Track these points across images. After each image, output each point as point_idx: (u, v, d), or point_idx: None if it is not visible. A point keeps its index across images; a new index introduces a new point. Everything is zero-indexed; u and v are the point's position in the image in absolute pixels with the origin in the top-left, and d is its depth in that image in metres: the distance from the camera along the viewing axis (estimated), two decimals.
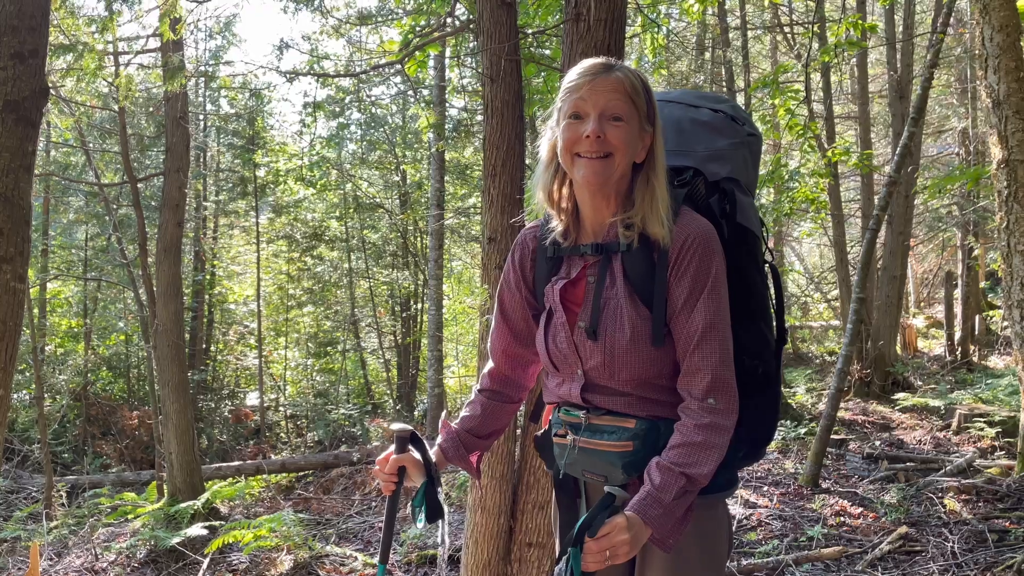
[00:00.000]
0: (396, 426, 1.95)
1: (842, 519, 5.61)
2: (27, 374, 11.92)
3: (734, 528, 5.52)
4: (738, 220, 1.78)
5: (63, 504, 8.58)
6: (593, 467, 1.78)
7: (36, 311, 12.63)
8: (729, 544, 1.89)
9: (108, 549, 6.68)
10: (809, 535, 5.29)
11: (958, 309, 12.77)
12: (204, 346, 15.24)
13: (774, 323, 1.88)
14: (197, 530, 6.54)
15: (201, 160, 15.52)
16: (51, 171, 12.76)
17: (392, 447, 1.93)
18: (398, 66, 11.99)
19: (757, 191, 2.12)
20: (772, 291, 1.89)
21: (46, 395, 11.28)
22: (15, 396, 11.86)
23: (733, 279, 1.74)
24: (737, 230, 1.78)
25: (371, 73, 11.63)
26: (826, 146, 9.03)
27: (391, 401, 15.10)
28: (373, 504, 8.11)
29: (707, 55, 12.82)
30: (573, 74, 1.72)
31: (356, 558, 5.98)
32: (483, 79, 3.52)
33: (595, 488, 1.83)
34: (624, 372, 1.71)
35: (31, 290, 11.68)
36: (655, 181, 1.69)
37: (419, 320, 15.68)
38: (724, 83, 11.11)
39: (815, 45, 8.65)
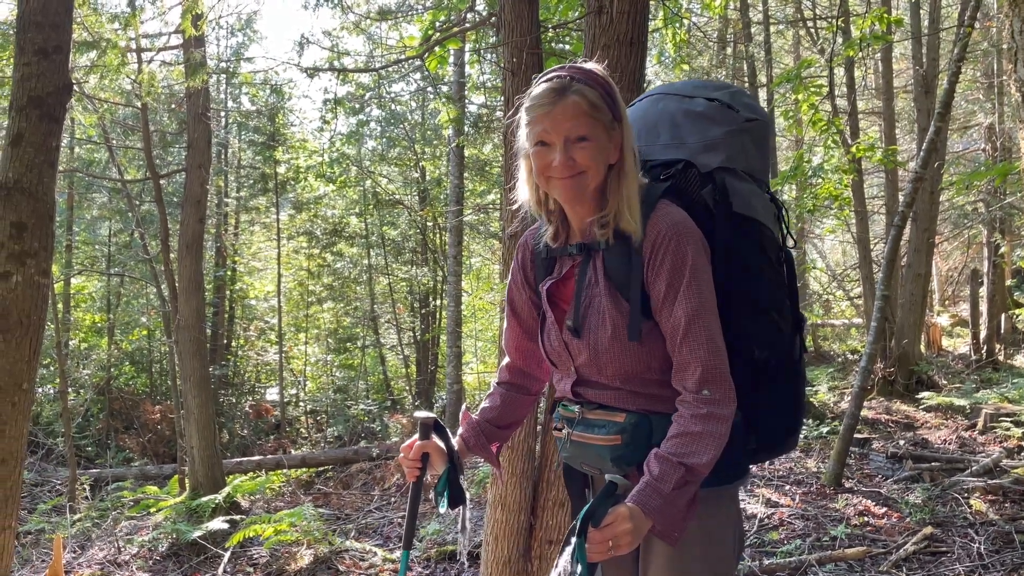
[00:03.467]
0: (420, 414, 1.99)
1: (866, 519, 5.54)
2: (51, 368, 12.06)
3: (755, 527, 5.47)
4: (735, 209, 1.75)
5: (86, 497, 8.67)
6: (587, 460, 1.83)
7: (60, 306, 12.79)
8: (738, 539, 1.85)
9: (130, 542, 6.73)
10: (832, 535, 5.23)
11: (983, 307, 12.58)
12: (225, 341, 15.35)
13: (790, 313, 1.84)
14: (218, 524, 6.58)
15: (223, 157, 15.63)
16: (75, 167, 12.90)
17: (416, 435, 1.98)
18: (418, 62, 12.00)
19: (779, 186, 2.07)
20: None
21: (70, 389, 11.40)
22: (40, 390, 12.01)
23: (736, 269, 1.74)
24: (735, 220, 1.75)
25: (391, 68, 11.64)
26: (850, 142, 8.92)
27: (410, 397, 15.14)
28: (392, 500, 8.13)
29: (728, 50, 12.71)
30: (531, 100, 1.72)
31: (375, 553, 5.99)
32: (503, 73, 3.50)
33: (601, 480, 1.84)
34: (610, 368, 1.74)
35: (55, 285, 11.82)
36: (624, 178, 1.70)
37: (438, 316, 15.70)
38: (746, 78, 11.01)
39: (839, 40, 8.54)
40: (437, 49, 5.74)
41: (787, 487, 6.41)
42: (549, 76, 1.73)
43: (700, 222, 1.72)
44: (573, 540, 1.55)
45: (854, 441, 7.01)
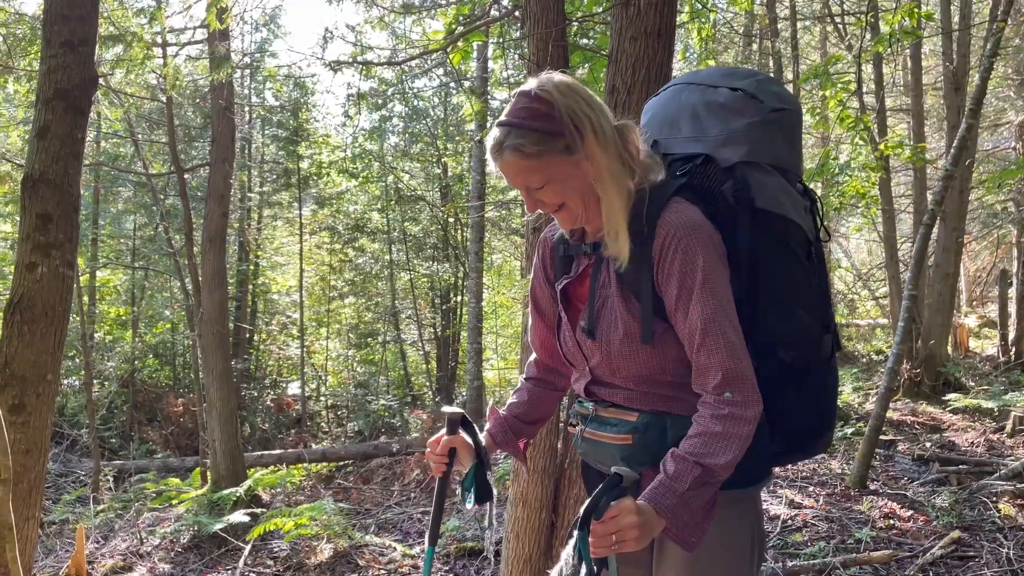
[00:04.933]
0: (448, 409, 1.97)
1: (891, 522, 5.45)
2: (76, 360, 12.20)
3: (778, 528, 5.40)
4: (759, 205, 1.68)
5: (110, 488, 8.75)
6: (599, 458, 1.80)
7: (86, 299, 12.91)
8: (758, 545, 1.80)
9: (153, 533, 6.78)
10: (857, 537, 5.14)
11: (1012, 308, 12.35)
12: (248, 335, 15.44)
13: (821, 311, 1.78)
14: (239, 517, 6.61)
15: (246, 152, 15.71)
16: (101, 161, 13.02)
17: (444, 429, 1.96)
18: (440, 57, 11.99)
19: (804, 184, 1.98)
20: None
21: (94, 381, 11.52)
22: (65, 382, 12.15)
23: (759, 267, 1.68)
24: (758, 216, 1.68)
25: (414, 63, 11.63)
26: (877, 139, 8.79)
27: (430, 393, 15.15)
28: (412, 495, 8.13)
29: (754, 46, 12.57)
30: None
31: (395, 548, 5.99)
32: (528, 66, 3.46)
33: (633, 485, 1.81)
34: (623, 370, 1.71)
35: (81, 278, 11.95)
36: (601, 193, 1.65)
37: (459, 312, 15.70)
38: (772, 75, 10.88)
39: (867, 35, 8.40)
40: (460, 43, 5.72)
41: (811, 488, 6.33)
42: (494, 129, 1.68)
43: (721, 219, 1.67)
44: (575, 533, 1.53)
45: (879, 443, 6.90)
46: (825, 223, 1.90)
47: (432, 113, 15.98)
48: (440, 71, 14.74)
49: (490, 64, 11.43)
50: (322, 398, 15.30)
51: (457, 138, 15.34)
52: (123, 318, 14.81)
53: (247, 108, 15.42)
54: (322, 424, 14.15)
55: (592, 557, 1.52)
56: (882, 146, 7.74)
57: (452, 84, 14.72)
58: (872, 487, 6.26)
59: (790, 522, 5.56)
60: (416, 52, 9.67)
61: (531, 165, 1.61)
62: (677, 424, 1.67)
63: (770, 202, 1.69)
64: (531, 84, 1.66)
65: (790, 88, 11.13)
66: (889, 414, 7.77)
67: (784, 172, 1.78)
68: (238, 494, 7.27)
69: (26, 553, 3.74)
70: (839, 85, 7.29)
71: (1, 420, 2.93)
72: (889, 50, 9.08)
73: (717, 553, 1.69)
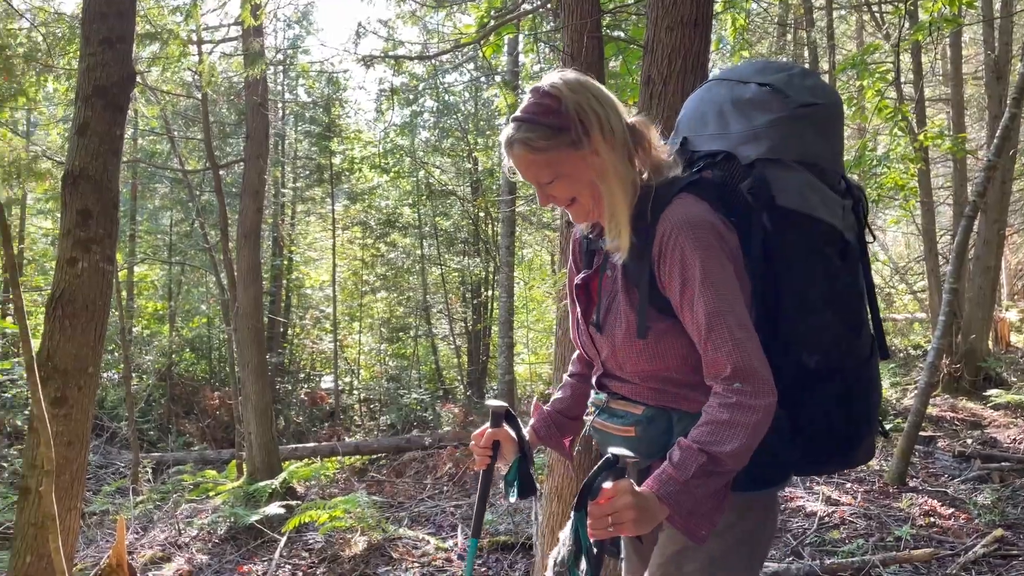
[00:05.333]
0: (492, 402, 2.00)
1: (932, 519, 5.35)
2: (115, 354, 12.42)
3: (815, 525, 5.33)
4: (780, 203, 1.64)
5: (148, 480, 8.90)
6: (606, 448, 1.78)
7: (124, 293, 13.14)
8: (761, 547, 1.77)
9: (190, 524, 6.88)
10: (896, 535, 5.06)
11: None
12: (282, 330, 15.60)
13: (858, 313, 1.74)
14: (275, 509, 6.68)
15: (279, 148, 15.86)
16: (138, 157, 13.22)
17: (488, 423, 1.99)
18: (471, 52, 11.98)
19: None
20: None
21: (133, 375, 11.71)
22: (104, 375, 12.37)
23: (780, 267, 1.65)
24: (778, 214, 1.64)
25: (445, 58, 11.64)
26: (916, 130, 8.61)
27: (462, 387, 15.20)
28: (444, 489, 8.16)
29: (789, 36, 12.39)
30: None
31: (428, 541, 6.01)
32: (562, 57, 3.44)
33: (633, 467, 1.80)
34: (627, 364, 1.73)
35: (119, 273, 12.15)
36: (603, 188, 1.67)
37: (490, 307, 15.71)
38: (807, 65, 10.71)
39: (906, 24, 8.23)
40: (492, 37, 5.70)
41: (848, 485, 6.23)
42: (508, 124, 1.73)
43: (739, 217, 1.66)
44: (572, 515, 1.52)
45: (919, 439, 6.77)
46: (866, 220, 1.84)
47: (463, 108, 15.98)
48: (471, 66, 14.75)
49: (521, 58, 11.40)
50: (355, 392, 15.41)
51: (488, 132, 15.33)
52: (160, 312, 15.05)
53: (280, 104, 15.56)
54: (355, 417, 14.25)
55: (591, 540, 1.51)
56: (921, 136, 7.58)
57: (483, 78, 14.72)
58: (911, 484, 6.15)
59: (827, 519, 5.48)
60: (447, 47, 9.67)
61: (539, 159, 1.65)
62: (684, 420, 1.67)
63: (793, 199, 1.65)
64: (543, 81, 1.69)
65: (826, 79, 10.96)
66: (928, 410, 7.62)
67: (815, 168, 1.71)
68: (273, 486, 7.35)
69: (68, 543, 3.81)
70: (876, 75, 7.16)
71: (44, 413, 2.99)
72: (928, 39, 8.88)
73: (710, 549, 1.65)
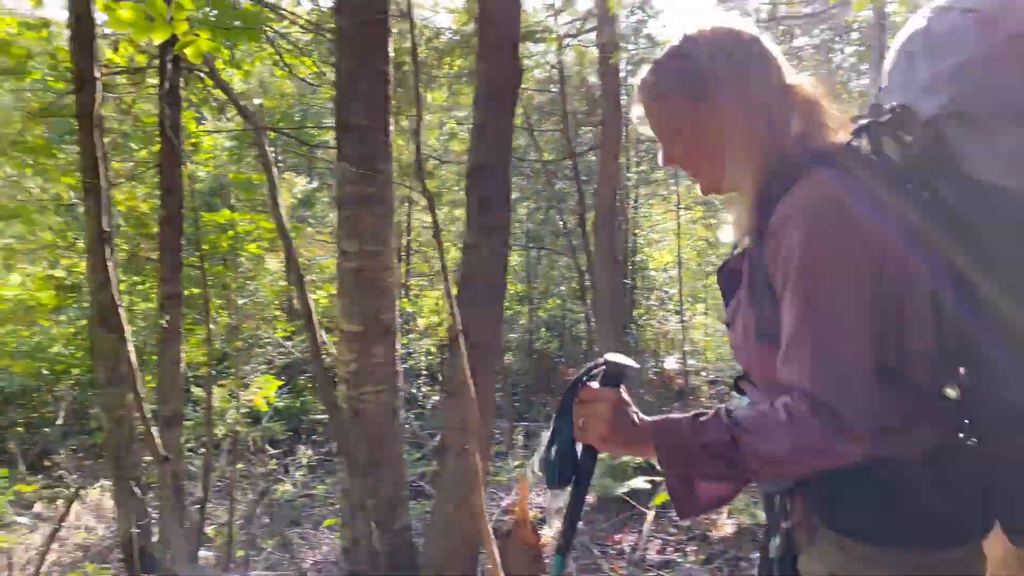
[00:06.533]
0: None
1: None
2: None
3: None
4: (966, 171, 1.25)
5: (524, 446, 9.71)
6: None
7: None
8: None
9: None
10: None
11: None
12: (628, 311, 16.05)
13: None
14: (640, 483, 6.88)
15: (624, 133, 16.26)
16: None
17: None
18: (827, 15, 11.14)
19: None
20: None
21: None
22: None
23: (969, 261, 1.25)
24: (967, 188, 1.25)
25: (798, 19, 11.00)
26: None
27: None
28: None
29: None
30: None
31: None
32: None
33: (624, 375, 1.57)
34: (752, 368, 1.45)
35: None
36: (727, 156, 1.40)
37: None
38: None
39: None
40: None
41: None
42: None
43: (915, 194, 1.30)
44: (553, 420, 1.41)
45: None
46: None
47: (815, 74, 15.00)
48: (818, 29, 13.74)
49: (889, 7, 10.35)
50: (702, 373, 15.35)
51: (845, 98, 14.21)
52: (520, 294, 16.34)
53: (623, 89, 15.92)
54: (702, 399, 14.19)
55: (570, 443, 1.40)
56: None
57: (837, 39, 13.66)
58: None
59: None
60: (803, 9, 9.09)
61: (656, 108, 1.46)
62: None
63: (991, 169, 1.24)
64: (692, 28, 1.46)
65: None
66: None
67: None
68: (637, 460, 7.56)
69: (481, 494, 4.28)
70: None
71: (469, 380, 3.36)
72: None
73: None
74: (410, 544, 4.64)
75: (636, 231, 16.50)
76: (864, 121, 1.38)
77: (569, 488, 1.45)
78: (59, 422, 9.04)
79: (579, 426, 1.38)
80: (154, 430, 3.50)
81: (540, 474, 1.47)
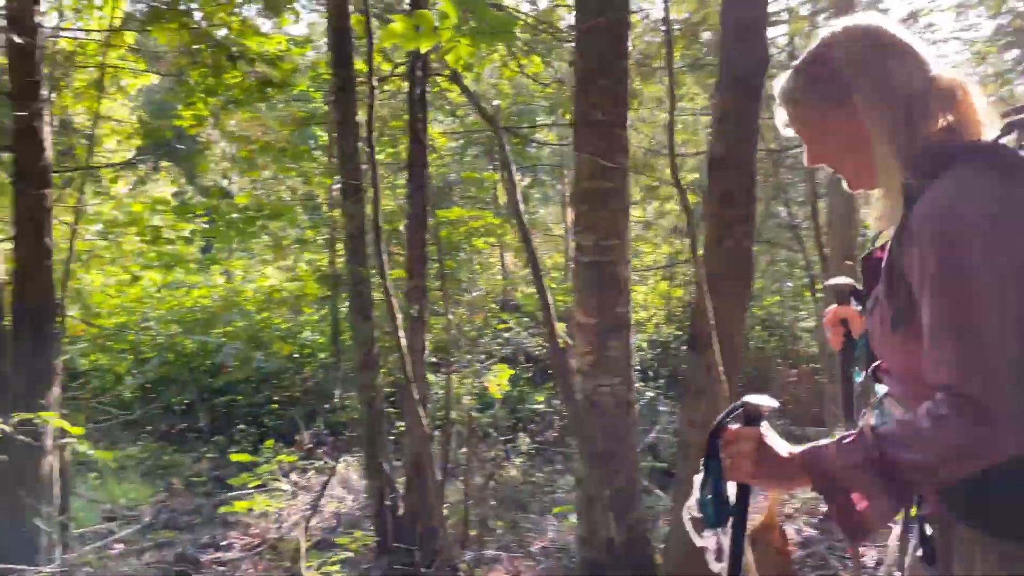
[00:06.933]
0: (835, 281, 1.91)
1: None
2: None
3: None
4: None
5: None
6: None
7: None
8: None
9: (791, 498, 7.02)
10: None
11: None
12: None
13: None
14: None
15: None
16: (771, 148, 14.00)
17: (834, 304, 1.93)
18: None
19: None
20: None
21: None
22: None
23: None
24: None
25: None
26: None
27: None
28: None
29: None
30: None
31: None
32: None
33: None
34: (888, 358, 1.52)
35: None
36: (869, 156, 1.43)
37: None
38: None
39: None
40: None
41: None
42: None
43: None
44: (703, 463, 1.47)
45: None
46: None
47: None
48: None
49: None
50: None
51: None
52: None
53: None
54: None
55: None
56: None
57: None
58: None
59: None
60: None
61: (797, 113, 1.52)
62: None
63: None
64: (829, 31, 1.50)
65: None
66: None
67: None
68: None
69: None
70: None
71: (723, 382, 3.31)
72: None
73: None
74: (644, 537, 4.64)
75: (866, 224, 15.49)
76: (1016, 117, 1.41)
77: (728, 526, 1.52)
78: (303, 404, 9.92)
79: (726, 466, 1.45)
80: (420, 409, 3.74)
81: (699, 515, 1.54)
